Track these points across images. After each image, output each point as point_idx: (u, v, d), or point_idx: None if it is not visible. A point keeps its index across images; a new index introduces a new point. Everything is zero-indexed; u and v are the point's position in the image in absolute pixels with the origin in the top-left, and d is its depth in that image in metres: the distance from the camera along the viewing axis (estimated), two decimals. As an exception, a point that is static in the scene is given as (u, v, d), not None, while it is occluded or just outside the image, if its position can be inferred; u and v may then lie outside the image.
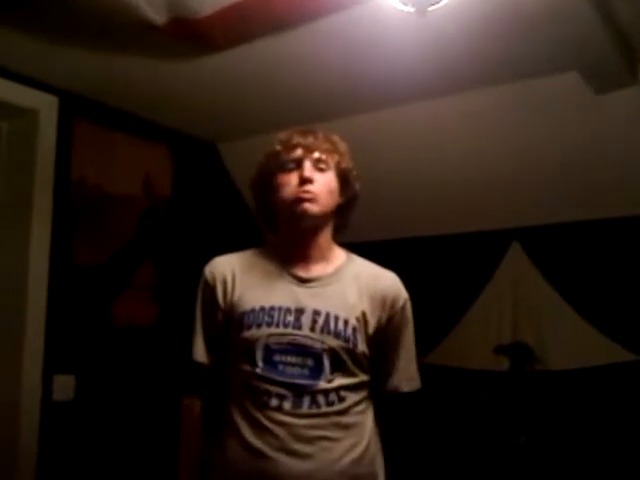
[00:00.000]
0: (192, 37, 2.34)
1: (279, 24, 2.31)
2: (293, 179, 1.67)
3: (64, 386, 2.86)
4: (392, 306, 1.72)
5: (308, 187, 1.65)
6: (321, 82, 2.82)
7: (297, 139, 1.70)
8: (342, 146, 1.76)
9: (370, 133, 3.15)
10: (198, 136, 3.60)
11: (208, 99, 3.04)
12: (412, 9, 1.94)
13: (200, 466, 1.76)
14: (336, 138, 1.76)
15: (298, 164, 1.68)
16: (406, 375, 1.76)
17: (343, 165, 1.73)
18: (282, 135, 1.75)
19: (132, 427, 3.09)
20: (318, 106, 3.04)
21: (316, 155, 1.68)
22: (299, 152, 1.68)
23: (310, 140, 1.70)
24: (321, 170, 1.68)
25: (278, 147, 1.72)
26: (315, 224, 1.70)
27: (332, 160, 1.70)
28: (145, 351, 3.19)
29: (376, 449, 1.71)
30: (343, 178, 1.73)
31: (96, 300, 3.03)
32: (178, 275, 3.33)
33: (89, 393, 2.95)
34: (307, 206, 1.65)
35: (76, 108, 2.99)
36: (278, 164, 1.71)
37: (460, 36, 2.40)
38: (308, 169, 1.66)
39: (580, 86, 2.67)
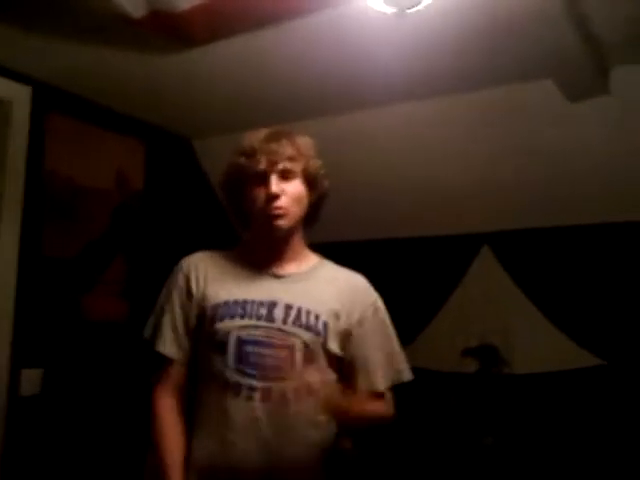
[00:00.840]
0: (170, 31, 2.33)
1: (259, 21, 2.30)
2: (261, 193, 1.67)
3: (31, 380, 2.82)
4: (363, 306, 1.75)
5: (276, 204, 1.65)
6: (299, 81, 2.83)
7: (259, 148, 1.67)
8: (306, 148, 1.73)
9: (345, 134, 3.16)
10: (173, 131, 3.58)
11: (184, 94, 3.03)
12: (393, 9, 1.95)
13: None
14: (300, 140, 1.73)
15: (263, 177, 1.67)
16: (391, 369, 1.77)
17: (310, 170, 1.72)
18: (244, 143, 1.72)
19: (100, 422, 3.05)
20: (296, 105, 3.04)
21: (280, 167, 1.67)
22: (263, 165, 1.66)
23: (273, 148, 1.67)
24: (287, 179, 1.68)
25: (242, 160, 1.70)
26: (286, 233, 1.72)
27: (298, 167, 1.69)
28: (115, 346, 3.16)
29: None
30: (310, 182, 1.73)
31: (66, 293, 2.99)
32: (149, 271, 3.31)
33: (57, 387, 2.91)
34: (278, 223, 1.67)
35: (50, 100, 2.96)
36: (244, 177, 1.70)
37: (438, 42, 2.43)
38: (274, 184, 1.65)
39: (555, 94, 2.71)
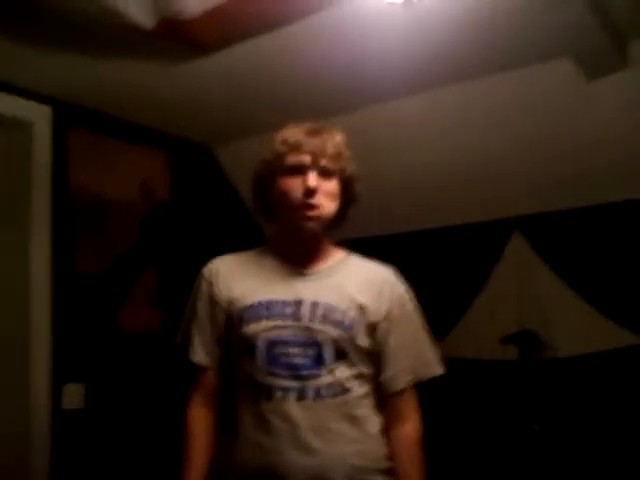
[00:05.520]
0: (182, 39, 2.33)
1: (269, 23, 2.30)
2: (297, 185, 1.64)
3: (74, 394, 2.86)
4: (390, 298, 1.72)
5: (312, 200, 1.63)
6: (316, 79, 2.81)
7: (304, 142, 1.65)
8: (345, 149, 1.71)
9: (366, 128, 3.13)
10: (194, 139, 3.59)
11: (202, 102, 3.04)
12: (400, 0, 1.94)
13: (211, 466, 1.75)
14: (340, 139, 1.70)
15: (303, 170, 1.65)
16: (418, 365, 1.74)
17: (347, 172, 1.71)
18: (288, 134, 1.69)
19: (143, 433, 3.09)
20: (314, 104, 3.02)
21: (323, 163, 1.65)
22: (306, 159, 1.64)
23: (317, 144, 1.65)
24: (325, 177, 1.66)
25: (283, 148, 1.67)
26: (316, 232, 1.70)
27: (337, 167, 1.67)
28: (153, 357, 3.20)
29: (384, 445, 1.70)
30: (345, 184, 1.72)
31: (101, 307, 3.03)
32: (180, 279, 3.33)
33: (99, 400, 2.95)
34: (311, 224, 1.65)
35: (70, 117, 2.99)
36: (282, 167, 1.67)
37: (450, 27, 2.39)
38: (314, 179, 1.63)
39: (573, 72, 2.67)
